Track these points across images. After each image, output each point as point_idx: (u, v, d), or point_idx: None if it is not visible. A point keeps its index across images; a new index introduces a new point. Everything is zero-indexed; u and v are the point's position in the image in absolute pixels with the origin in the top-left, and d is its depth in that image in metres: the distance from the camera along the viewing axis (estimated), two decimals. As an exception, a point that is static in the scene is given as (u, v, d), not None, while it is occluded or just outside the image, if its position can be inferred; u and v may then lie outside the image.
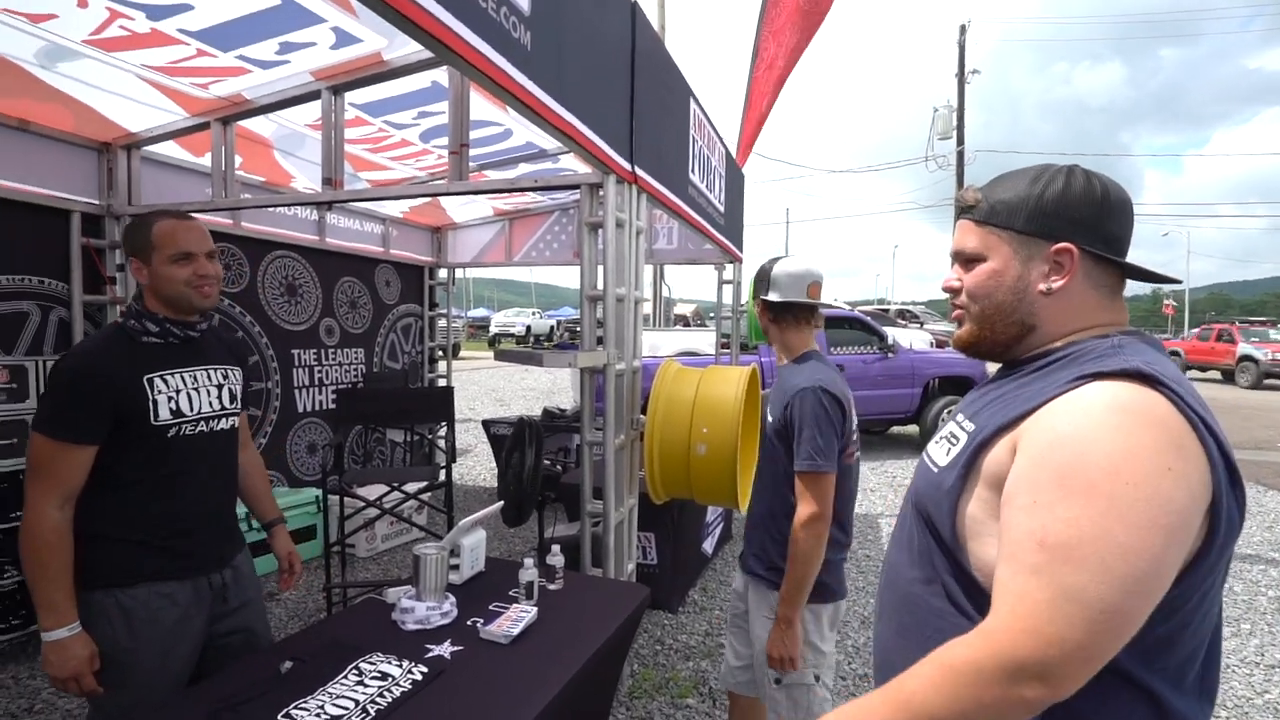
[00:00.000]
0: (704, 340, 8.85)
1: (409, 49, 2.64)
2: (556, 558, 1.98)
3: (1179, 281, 0.97)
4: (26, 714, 2.52)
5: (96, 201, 3.35)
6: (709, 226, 3.90)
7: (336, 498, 3.30)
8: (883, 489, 6.31)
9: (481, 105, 3.16)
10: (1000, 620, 0.72)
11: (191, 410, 1.58)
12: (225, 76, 2.76)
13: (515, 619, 1.69)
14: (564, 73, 1.88)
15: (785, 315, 1.90)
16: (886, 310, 20.93)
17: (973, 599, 0.84)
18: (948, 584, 0.86)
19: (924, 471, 0.95)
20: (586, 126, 2.07)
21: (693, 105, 3.43)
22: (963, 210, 0.95)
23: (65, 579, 1.44)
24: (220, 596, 1.68)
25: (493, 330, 30.21)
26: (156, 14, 2.27)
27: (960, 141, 22.33)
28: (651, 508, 2.90)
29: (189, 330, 1.60)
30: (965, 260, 0.93)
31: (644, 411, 2.69)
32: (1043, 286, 0.86)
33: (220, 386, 1.67)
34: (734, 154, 4.95)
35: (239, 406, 1.74)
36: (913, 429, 8.42)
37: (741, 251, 5.19)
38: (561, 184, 2.71)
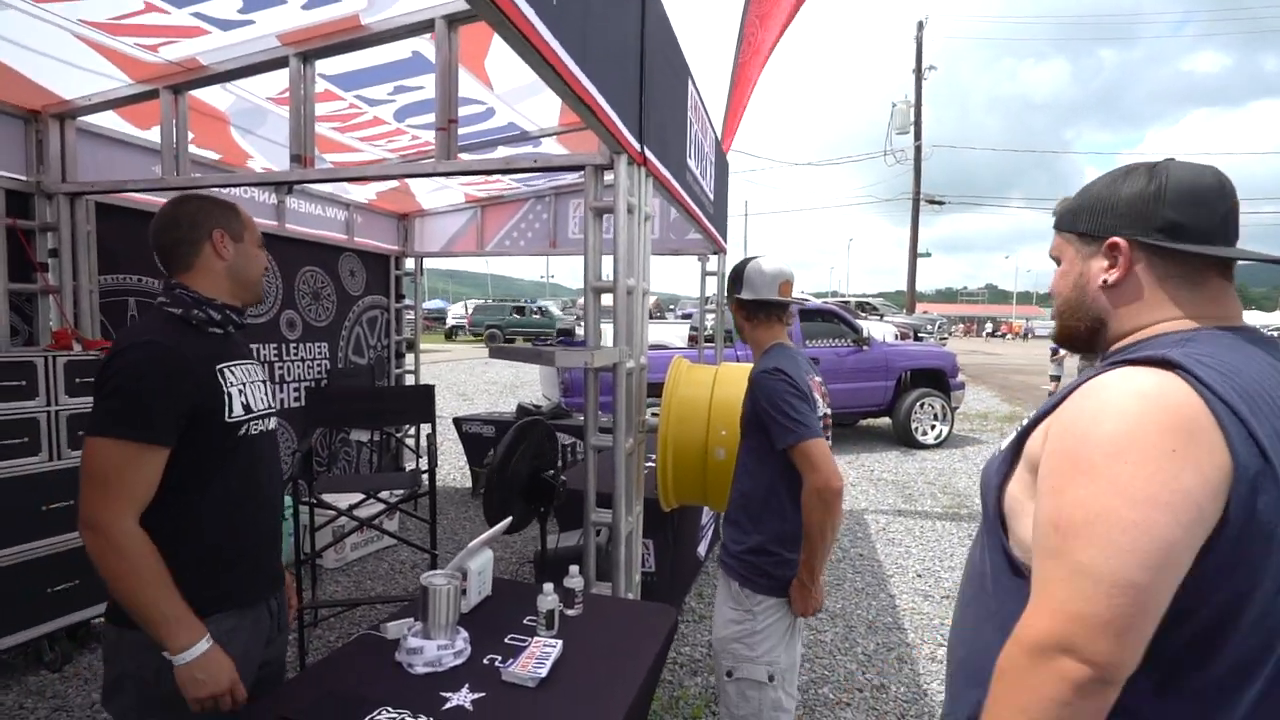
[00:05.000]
0: (671, 332, 8.68)
1: (391, 12, 2.38)
2: (575, 580, 1.78)
3: None
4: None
5: (23, 177, 2.97)
6: (702, 215, 3.73)
7: (304, 506, 3.01)
8: (863, 483, 6.27)
9: (464, 81, 2.90)
10: (1029, 609, 0.76)
11: (255, 405, 1.44)
12: (178, 38, 2.44)
13: (540, 656, 1.49)
14: (586, 35, 1.66)
15: (758, 313, 1.95)
16: (847, 303, 21.20)
17: (1012, 576, 0.87)
18: (995, 562, 0.90)
19: (991, 458, 0.99)
20: (605, 100, 1.86)
21: (690, 86, 3.24)
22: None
23: (174, 587, 1.25)
24: (276, 623, 1.53)
25: (450, 322, 29.56)
26: (97, -42, 1.96)
27: (918, 136, 22.71)
28: (651, 511, 2.73)
29: (242, 319, 1.48)
30: (1056, 263, 1.00)
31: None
32: (1100, 280, 0.90)
33: (264, 382, 1.53)
34: (719, 139, 4.78)
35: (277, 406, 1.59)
36: (885, 421, 8.44)
37: (725, 241, 5.04)
38: (565, 165, 2.49)
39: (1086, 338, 0.94)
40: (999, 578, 0.89)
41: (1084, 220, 0.92)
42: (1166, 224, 0.85)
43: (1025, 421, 0.91)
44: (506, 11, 1.19)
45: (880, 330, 9.80)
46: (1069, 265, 0.95)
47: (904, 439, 7.83)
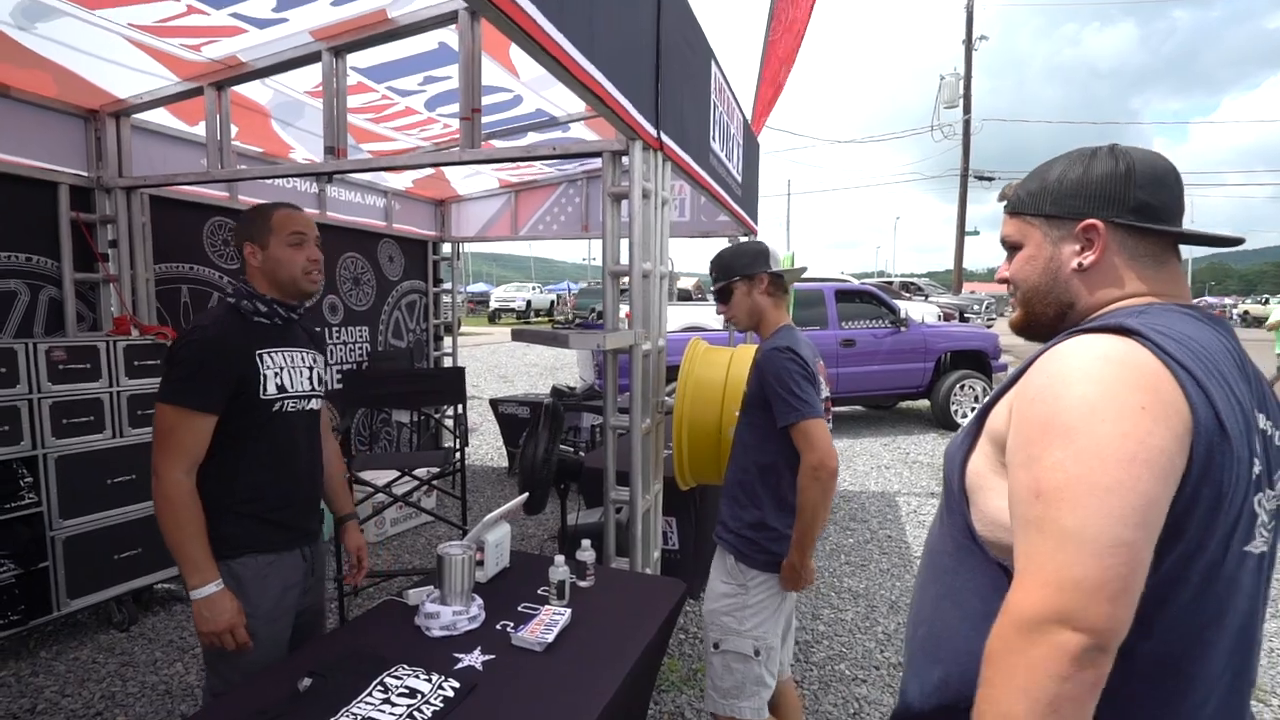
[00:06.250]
0: (709, 314, 8.68)
1: (416, 5, 2.45)
2: (587, 553, 1.86)
3: (1240, 241, 0.93)
4: (29, 714, 2.43)
5: (85, 173, 3.17)
6: (728, 198, 3.73)
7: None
8: (897, 465, 6.20)
9: (490, 70, 2.96)
10: (1016, 585, 0.74)
11: (292, 387, 1.67)
12: (218, 37, 2.57)
13: (548, 623, 1.58)
14: (593, 25, 1.70)
15: (778, 289, 1.96)
16: (891, 283, 20.71)
17: (972, 552, 0.87)
18: (956, 539, 0.91)
19: (954, 436, 0.99)
20: (615, 87, 1.90)
21: (714, 68, 3.23)
22: (1003, 203, 1.00)
23: (204, 538, 1.51)
24: (310, 570, 1.77)
25: (493, 305, 30.02)
26: (140, -35, 2.08)
27: (967, 110, 21.89)
28: (674, 490, 2.78)
29: (291, 312, 1.70)
30: (1009, 249, 0.99)
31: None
32: (1074, 263, 0.89)
33: (311, 369, 1.75)
34: (749, 121, 4.74)
35: (323, 390, 1.83)
36: (924, 404, 8.30)
37: (756, 223, 5.01)
38: (582, 151, 2.54)
39: (1052, 324, 0.93)
40: (959, 554, 0.90)
41: (1050, 203, 0.91)
42: (1139, 204, 0.86)
43: (988, 397, 0.92)
44: (503, 7, 1.24)
45: (920, 311, 9.57)
46: (1035, 250, 0.93)
47: (942, 421, 7.69)
